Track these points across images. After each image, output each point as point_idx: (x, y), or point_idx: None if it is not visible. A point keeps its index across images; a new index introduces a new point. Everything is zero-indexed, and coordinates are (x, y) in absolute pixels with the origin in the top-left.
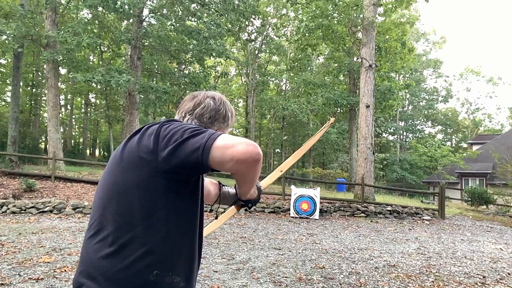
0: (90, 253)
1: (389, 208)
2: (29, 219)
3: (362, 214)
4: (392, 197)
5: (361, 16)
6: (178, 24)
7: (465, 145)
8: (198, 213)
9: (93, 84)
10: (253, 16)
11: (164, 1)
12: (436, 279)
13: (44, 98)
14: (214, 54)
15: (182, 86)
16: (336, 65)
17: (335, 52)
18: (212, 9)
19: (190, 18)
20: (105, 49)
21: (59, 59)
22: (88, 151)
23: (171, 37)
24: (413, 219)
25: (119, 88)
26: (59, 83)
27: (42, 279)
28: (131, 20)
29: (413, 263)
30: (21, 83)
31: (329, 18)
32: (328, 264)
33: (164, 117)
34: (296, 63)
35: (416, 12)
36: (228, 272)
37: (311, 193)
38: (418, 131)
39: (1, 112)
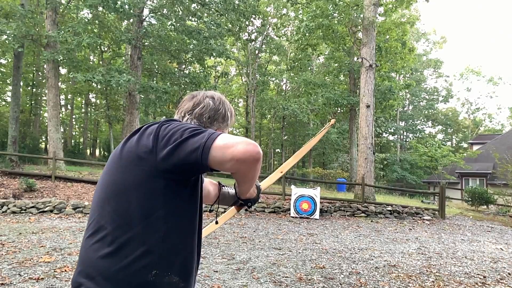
0: (89, 253)
1: (389, 208)
2: (30, 219)
3: (363, 214)
4: (392, 197)
5: (362, 16)
6: (178, 24)
7: (465, 145)
8: (197, 213)
9: (93, 84)
10: (253, 16)
11: (164, 1)
12: (436, 279)
13: (44, 98)
14: (214, 54)
15: (183, 86)
16: (336, 65)
17: (336, 52)
18: (213, 9)
19: (190, 18)
20: (105, 49)
21: (59, 59)
22: (88, 151)
23: (171, 37)
24: (413, 219)
25: (119, 88)
26: (59, 83)
27: (42, 279)
28: (131, 20)
29: (413, 263)
30: (21, 83)
31: (330, 18)
32: (328, 264)
33: (164, 117)
34: (296, 63)
35: (417, 12)
36: (228, 272)
37: (311, 193)
38: (419, 131)
39: (1, 112)
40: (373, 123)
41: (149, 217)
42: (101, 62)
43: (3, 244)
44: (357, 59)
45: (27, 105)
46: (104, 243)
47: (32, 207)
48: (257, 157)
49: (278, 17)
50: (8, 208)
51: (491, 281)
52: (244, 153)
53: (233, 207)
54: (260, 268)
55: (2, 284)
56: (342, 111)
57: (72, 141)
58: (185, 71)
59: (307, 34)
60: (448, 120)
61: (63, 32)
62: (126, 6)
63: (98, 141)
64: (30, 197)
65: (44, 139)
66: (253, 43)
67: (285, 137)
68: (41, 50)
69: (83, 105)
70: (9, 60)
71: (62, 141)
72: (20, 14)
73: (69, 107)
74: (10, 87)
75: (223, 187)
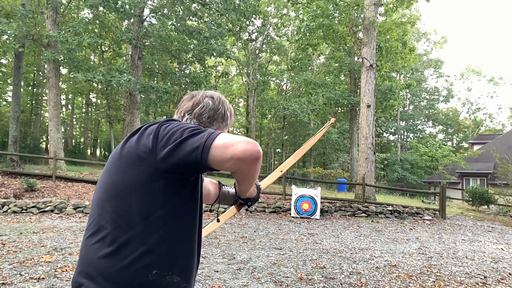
0: (89, 253)
1: (390, 208)
2: (30, 218)
3: (363, 214)
4: (393, 197)
5: (362, 16)
6: (179, 24)
7: (466, 145)
8: (197, 213)
9: (94, 84)
10: (254, 16)
11: (164, 1)
12: (437, 279)
13: (45, 98)
14: (214, 54)
15: (183, 86)
16: (337, 65)
17: (336, 52)
18: (213, 9)
19: (191, 18)
20: (106, 49)
21: (60, 59)
22: (89, 151)
23: (171, 37)
24: (414, 219)
25: (120, 88)
26: (60, 83)
27: (43, 278)
28: (132, 20)
29: (414, 263)
30: (22, 83)
31: (330, 18)
32: (329, 264)
33: (165, 116)
34: (296, 63)
35: (417, 11)
36: (229, 272)
37: (312, 193)
38: (419, 131)
39: (2, 112)
40: (374, 123)
41: (149, 217)
42: (101, 62)
43: (4, 244)
44: (358, 59)
45: (28, 105)
46: (104, 243)
47: (33, 207)
48: (257, 156)
49: (279, 17)
50: (9, 208)
51: (492, 281)
52: (244, 152)
53: (233, 206)
54: (261, 268)
55: (3, 283)
56: (342, 111)
57: (73, 141)
58: (185, 71)
59: (307, 34)
60: (448, 120)
61: (63, 32)
62: (127, 6)
63: (98, 141)
64: (31, 197)
65: (44, 139)
66: (253, 43)
67: (286, 137)
68: (42, 50)
69: (83, 105)
70: (10, 60)
71: (63, 141)
72: (20, 14)
73: (69, 107)
74: (11, 87)
75: (223, 186)
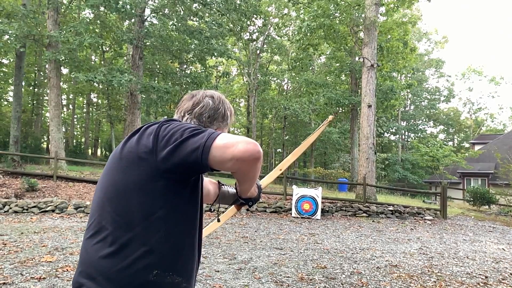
0: (90, 253)
1: (391, 208)
2: (31, 218)
3: (364, 214)
4: (394, 197)
5: (363, 15)
6: (179, 24)
7: (467, 145)
8: (197, 213)
9: (95, 83)
10: (255, 16)
11: (165, 1)
12: (438, 279)
13: (46, 98)
14: (215, 54)
15: (184, 86)
16: (338, 64)
17: (337, 51)
18: (214, 9)
19: (191, 18)
20: (107, 49)
21: (61, 59)
22: (90, 151)
23: (172, 37)
24: (415, 219)
25: (121, 87)
26: (61, 83)
27: (44, 278)
28: (132, 20)
29: (415, 263)
30: (23, 83)
31: (331, 17)
32: (329, 264)
33: (166, 116)
34: (297, 63)
35: (418, 11)
36: (229, 272)
37: (312, 193)
38: (420, 131)
39: (3, 112)
40: (375, 123)
41: (150, 217)
42: (102, 62)
43: (5, 244)
44: (359, 59)
45: (29, 105)
46: (105, 243)
47: (34, 206)
48: (257, 156)
49: (280, 17)
50: (10, 208)
51: (493, 281)
52: (244, 152)
53: (233, 206)
54: (262, 268)
55: (4, 283)
56: (343, 111)
57: (74, 141)
58: (186, 71)
59: (308, 34)
60: (449, 120)
61: (64, 32)
62: (128, 6)
63: (99, 141)
64: (32, 197)
65: (45, 139)
66: (254, 43)
67: (286, 137)
68: (43, 50)
69: (84, 105)
70: (11, 60)
71: (64, 141)
72: (22, 14)
73: (70, 107)
74: (12, 87)
75: (223, 186)
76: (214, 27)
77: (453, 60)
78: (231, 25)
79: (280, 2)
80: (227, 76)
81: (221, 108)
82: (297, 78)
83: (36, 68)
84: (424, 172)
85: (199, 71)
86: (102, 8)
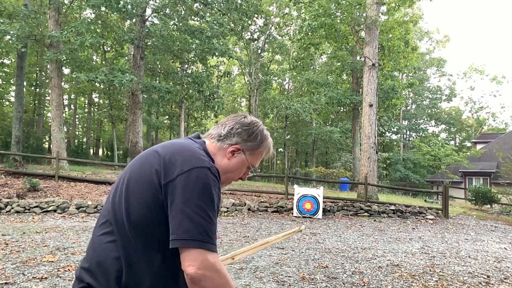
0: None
1: (392, 207)
2: (33, 218)
3: (365, 214)
4: (395, 197)
5: (364, 15)
6: (181, 24)
7: (469, 144)
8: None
9: (96, 83)
10: (256, 15)
11: (167, 1)
12: (440, 278)
13: (48, 98)
14: (217, 53)
15: (185, 86)
16: (339, 64)
17: (338, 51)
18: (215, 9)
19: (193, 17)
20: (108, 48)
21: (62, 59)
22: (91, 151)
23: (173, 37)
24: (416, 218)
25: (122, 87)
26: (62, 83)
27: (46, 278)
28: (134, 20)
29: (416, 263)
30: (24, 83)
31: (332, 17)
32: (331, 264)
33: (168, 116)
34: (299, 62)
35: (420, 10)
36: (231, 271)
37: (314, 192)
38: (422, 130)
39: (5, 112)
40: (376, 122)
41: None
42: (104, 62)
43: (7, 244)
44: (360, 58)
45: (31, 105)
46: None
47: (36, 206)
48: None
49: (281, 16)
50: (12, 208)
51: (495, 280)
52: (195, 276)
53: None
54: (263, 267)
55: (6, 283)
56: (345, 110)
57: (75, 141)
58: (187, 71)
59: (309, 33)
60: (451, 119)
61: (66, 32)
62: (129, 6)
63: (101, 140)
64: (34, 197)
65: (47, 139)
66: (255, 42)
67: (288, 137)
68: (44, 50)
69: (86, 105)
70: (13, 60)
71: (65, 140)
72: (23, 14)
73: (72, 107)
74: (14, 87)
75: None
76: (215, 26)
77: (454, 59)
78: (232, 25)
79: (281, 2)
80: (228, 75)
81: (253, 128)
82: (299, 78)
83: (37, 68)
84: (425, 172)
85: (200, 70)
86: (103, 8)
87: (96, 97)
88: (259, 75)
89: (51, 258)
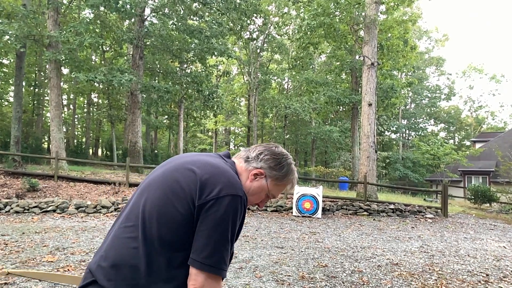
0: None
1: (391, 206)
2: (32, 218)
3: (365, 213)
4: (394, 196)
5: (363, 14)
6: (179, 23)
7: (468, 143)
8: None
9: (95, 83)
10: (255, 15)
11: (165, 0)
12: (439, 277)
13: (47, 98)
14: (216, 53)
15: (184, 85)
16: (338, 63)
17: (337, 50)
18: (214, 8)
19: (191, 17)
20: (107, 48)
21: (61, 59)
22: (90, 151)
23: (173, 36)
24: (416, 217)
25: (121, 87)
26: (61, 83)
27: None
28: (133, 20)
29: (416, 261)
30: (23, 83)
31: (331, 16)
32: (330, 263)
33: (170, 116)
34: (298, 62)
35: (419, 9)
36: (230, 270)
37: (313, 192)
38: (421, 129)
39: (4, 112)
40: (375, 121)
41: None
42: (103, 62)
43: (7, 244)
44: (359, 57)
45: (30, 105)
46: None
47: (35, 206)
48: None
49: (280, 15)
50: (11, 208)
51: (494, 279)
52: None
53: None
54: (263, 266)
55: (5, 283)
56: (344, 109)
57: (75, 141)
58: (186, 70)
59: (308, 33)
60: (450, 118)
61: (65, 32)
62: (128, 6)
63: (100, 140)
64: (33, 197)
65: (46, 139)
66: (254, 42)
67: (287, 136)
68: (43, 50)
69: (85, 105)
70: (12, 60)
71: (65, 141)
72: (22, 14)
73: (71, 107)
74: (13, 87)
75: None
76: (214, 26)
77: (453, 58)
78: (231, 24)
79: (280, 1)
80: (228, 75)
81: (280, 159)
82: (298, 77)
83: (36, 68)
84: (425, 171)
85: (200, 70)
86: (102, 8)
87: (95, 97)
88: (258, 74)
89: (51, 258)
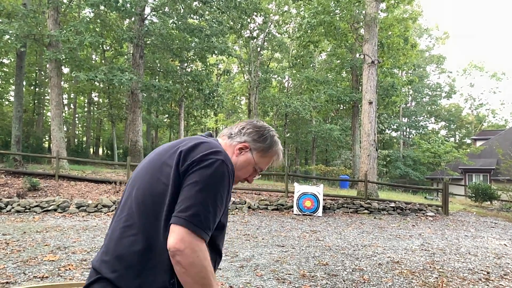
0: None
1: (392, 204)
2: (34, 218)
3: (366, 211)
4: (395, 194)
5: (363, 12)
6: (180, 22)
7: (468, 141)
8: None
9: (95, 82)
10: (255, 13)
11: None
12: (440, 275)
13: (47, 97)
14: (216, 51)
15: (185, 84)
16: (338, 61)
17: (338, 48)
18: (214, 7)
19: (192, 16)
20: (108, 47)
21: (61, 58)
22: (91, 150)
23: (173, 35)
24: (416, 215)
25: (121, 86)
26: (62, 82)
27: (46, 277)
28: (133, 19)
29: (416, 260)
30: (24, 83)
31: (331, 14)
32: (331, 261)
33: (167, 115)
34: (298, 60)
35: (419, 7)
36: (231, 269)
37: (314, 190)
38: (421, 127)
39: (4, 112)
40: (376, 119)
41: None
42: (103, 61)
43: (8, 243)
44: (359, 55)
45: (30, 105)
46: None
47: (36, 206)
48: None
49: (280, 14)
50: (13, 207)
51: (495, 277)
52: (182, 260)
53: None
54: (264, 265)
55: (7, 282)
56: (344, 107)
57: (75, 140)
58: (187, 69)
59: (309, 31)
60: (451, 116)
61: (65, 31)
62: (128, 5)
63: (101, 139)
64: (34, 196)
65: (47, 138)
66: (255, 40)
67: (288, 134)
68: (44, 50)
69: (85, 104)
70: (12, 60)
71: (65, 140)
72: (22, 13)
73: (72, 106)
74: (13, 87)
75: None
76: (214, 25)
77: (454, 56)
78: (232, 23)
79: None
80: (228, 74)
81: (263, 132)
82: (298, 76)
83: (37, 68)
84: (425, 169)
85: (200, 69)
86: (102, 7)
87: (95, 96)
88: (259, 73)
89: (52, 257)
